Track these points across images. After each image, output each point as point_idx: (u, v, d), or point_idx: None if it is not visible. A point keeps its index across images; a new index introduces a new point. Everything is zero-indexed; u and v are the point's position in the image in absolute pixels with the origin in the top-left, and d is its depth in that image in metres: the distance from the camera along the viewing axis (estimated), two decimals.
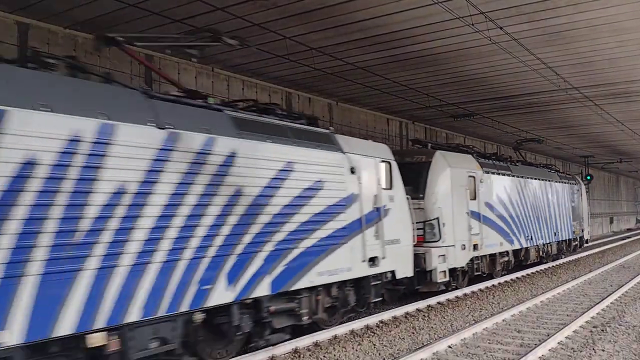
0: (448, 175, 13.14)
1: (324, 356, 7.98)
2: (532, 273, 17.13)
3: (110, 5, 10.30)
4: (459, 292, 12.93)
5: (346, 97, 18.63)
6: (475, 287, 13.69)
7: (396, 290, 11.26)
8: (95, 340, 5.71)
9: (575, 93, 18.07)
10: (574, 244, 22.43)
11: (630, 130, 26.74)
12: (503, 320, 10.05)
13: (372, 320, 9.97)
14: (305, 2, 10.52)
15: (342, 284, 9.38)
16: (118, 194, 5.99)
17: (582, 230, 23.65)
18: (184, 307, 6.58)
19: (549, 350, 7.89)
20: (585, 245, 24.56)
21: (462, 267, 13.39)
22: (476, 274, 14.03)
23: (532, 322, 9.95)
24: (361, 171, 9.83)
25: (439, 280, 12.21)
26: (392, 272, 10.52)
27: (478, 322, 9.60)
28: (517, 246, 16.33)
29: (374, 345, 8.61)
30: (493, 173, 15.45)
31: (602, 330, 9.08)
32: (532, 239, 17.45)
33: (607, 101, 19.78)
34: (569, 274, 17.05)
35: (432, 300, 11.84)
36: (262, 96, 16.17)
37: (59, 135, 5.52)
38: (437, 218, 12.56)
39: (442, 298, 12.22)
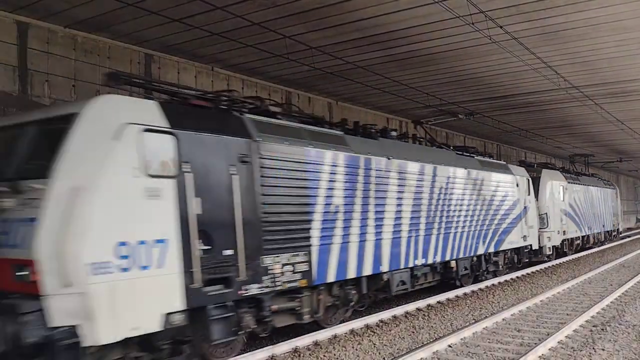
0: (551, 185, 20.03)
1: (324, 355, 7.97)
2: (532, 272, 17.14)
3: (109, 5, 10.30)
4: (459, 292, 12.94)
5: (346, 97, 18.63)
6: (475, 287, 13.69)
7: (529, 257, 17.73)
8: (452, 264, 12.51)
9: (575, 92, 18.06)
10: (613, 233, 30.16)
11: (630, 130, 26.74)
12: (503, 319, 10.03)
13: (372, 319, 9.96)
14: (304, 2, 10.51)
15: (511, 250, 15.92)
16: (473, 202, 13.41)
17: (618, 224, 32.07)
18: (472, 253, 13.32)
19: (549, 349, 7.87)
20: (620, 235, 32.85)
21: (557, 246, 20.14)
22: (564, 250, 21.29)
23: (532, 322, 9.93)
24: (520, 185, 16.34)
25: (547, 253, 19.10)
26: (530, 245, 17.08)
27: (478, 322, 9.57)
28: (583, 233, 23.52)
29: (374, 344, 8.60)
30: (571, 183, 22.37)
31: (602, 330, 9.06)
32: (590, 228, 24.64)
33: (607, 100, 19.78)
34: (568, 273, 17.04)
35: (432, 300, 11.84)
36: (261, 95, 16.15)
37: (459, 176, 12.89)
38: (546, 213, 19.21)
39: (442, 297, 12.22)
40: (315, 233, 8.43)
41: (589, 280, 15.21)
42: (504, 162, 17.02)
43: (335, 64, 14.39)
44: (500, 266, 15.27)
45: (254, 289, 7.29)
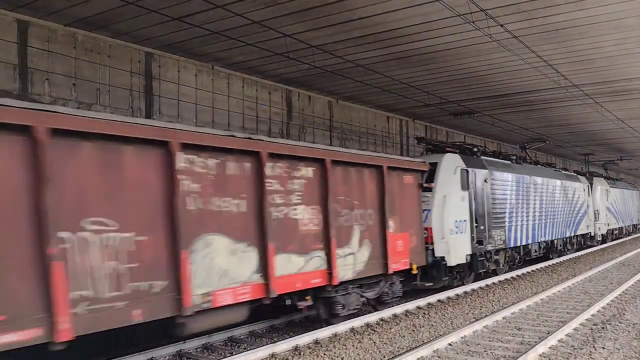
0: (600, 189, 27.17)
1: (324, 354, 7.97)
2: (533, 271, 17.15)
3: (109, 3, 10.29)
4: (459, 290, 12.95)
5: (346, 95, 18.61)
6: (475, 285, 13.70)
7: (590, 241, 25.33)
8: (555, 242, 20.19)
9: (575, 91, 18.05)
10: (638, 226, 38.12)
11: (631, 128, 26.71)
12: (503, 318, 10.03)
13: (372, 318, 9.97)
14: (304, 0, 10.50)
15: (579, 236, 23.14)
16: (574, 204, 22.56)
17: None
18: (563, 235, 20.77)
19: (550, 347, 7.87)
20: None
21: (604, 234, 27.43)
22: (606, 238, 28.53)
23: (532, 320, 9.94)
24: (585, 189, 23.90)
25: (597, 239, 26.34)
26: (590, 232, 24.95)
27: (478, 320, 9.58)
28: (619, 225, 31.23)
29: (374, 342, 8.61)
30: (611, 187, 29.50)
31: (603, 328, 9.07)
32: (623, 222, 32.35)
33: (608, 99, 19.76)
34: (569, 272, 17.05)
35: (433, 298, 11.85)
36: (262, 94, 16.16)
37: (557, 185, 20.62)
38: (597, 209, 26.17)
39: (442, 296, 12.23)
40: (506, 218, 15.58)
41: (589, 278, 15.21)
42: (575, 174, 24.97)
43: (335, 62, 14.38)
44: (574, 246, 22.84)
45: (489, 247, 14.36)
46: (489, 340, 8.51)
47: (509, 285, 14.45)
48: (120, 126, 6.03)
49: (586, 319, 9.71)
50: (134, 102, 12.84)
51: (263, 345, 7.99)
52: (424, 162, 11.88)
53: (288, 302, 8.52)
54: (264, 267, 7.59)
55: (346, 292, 9.37)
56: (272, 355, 7.79)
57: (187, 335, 7.21)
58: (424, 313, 10.85)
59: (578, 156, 37.11)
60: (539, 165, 20.77)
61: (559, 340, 8.24)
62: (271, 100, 16.45)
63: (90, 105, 11.78)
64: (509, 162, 17.13)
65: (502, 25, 11.55)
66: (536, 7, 10.90)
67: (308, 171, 8.46)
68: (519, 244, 16.47)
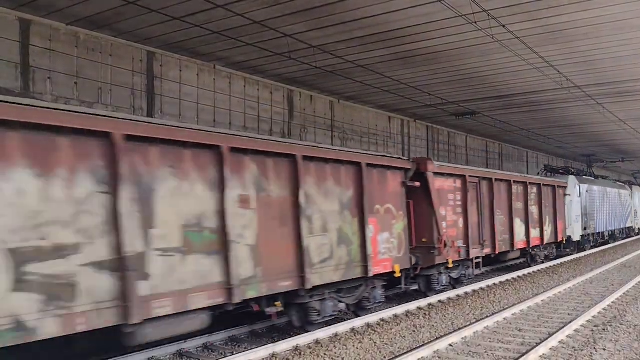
0: (637, 195, 36.34)
1: (325, 354, 7.96)
2: (534, 272, 17.13)
3: (111, 2, 10.31)
4: (460, 291, 12.93)
5: (348, 95, 18.61)
6: (476, 286, 13.69)
7: (633, 232, 35.96)
8: (615, 232, 30.96)
9: (577, 92, 18.02)
10: None
11: (633, 130, 26.68)
12: (504, 318, 10.01)
13: (372, 318, 9.96)
14: (305, 0, 10.49)
15: (626, 228, 33.49)
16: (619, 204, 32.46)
17: None
18: (617, 227, 30.75)
19: (550, 349, 7.85)
20: None
21: (639, 227, 37.67)
22: None
23: (533, 321, 9.91)
24: (630, 195, 34.34)
25: (636, 231, 36.66)
26: (632, 226, 35.24)
27: (479, 321, 9.56)
28: None
29: (375, 343, 8.59)
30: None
31: (604, 330, 9.04)
32: None
33: (610, 100, 19.72)
34: (570, 273, 17.02)
35: (433, 299, 11.84)
36: (263, 94, 16.16)
37: (614, 192, 30.75)
38: (636, 210, 36.08)
39: (443, 297, 12.21)
40: (595, 214, 25.43)
41: (590, 280, 15.18)
42: (623, 183, 34.33)
43: (337, 62, 14.38)
44: (623, 234, 31.99)
45: (588, 231, 24.37)
46: (490, 341, 8.49)
47: (509, 286, 14.42)
48: (505, 175, 16.06)
49: (587, 321, 9.68)
50: (135, 102, 12.85)
51: (263, 345, 7.98)
52: (566, 182, 21.30)
53: (532, 251, 17.76)
54: (527, 233, 16.72)
55: (541, 251, 18.45)
56: (273, 355, 7.78)
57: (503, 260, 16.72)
58: (425, 313, 10.83)
59: (579, 157, 37.07)
60: (601, 178, 30.34)
61: (559, 342, 8.22)
62: (273, 100, 16.45)
63: (92, 104, 11.79)
64: (593, 178, 27.49)
65: (504, 26, 11.53)
66: (539, 7, 10.88)
67: (535, 189, 17.59)
68: (600, 231, 26.43)
